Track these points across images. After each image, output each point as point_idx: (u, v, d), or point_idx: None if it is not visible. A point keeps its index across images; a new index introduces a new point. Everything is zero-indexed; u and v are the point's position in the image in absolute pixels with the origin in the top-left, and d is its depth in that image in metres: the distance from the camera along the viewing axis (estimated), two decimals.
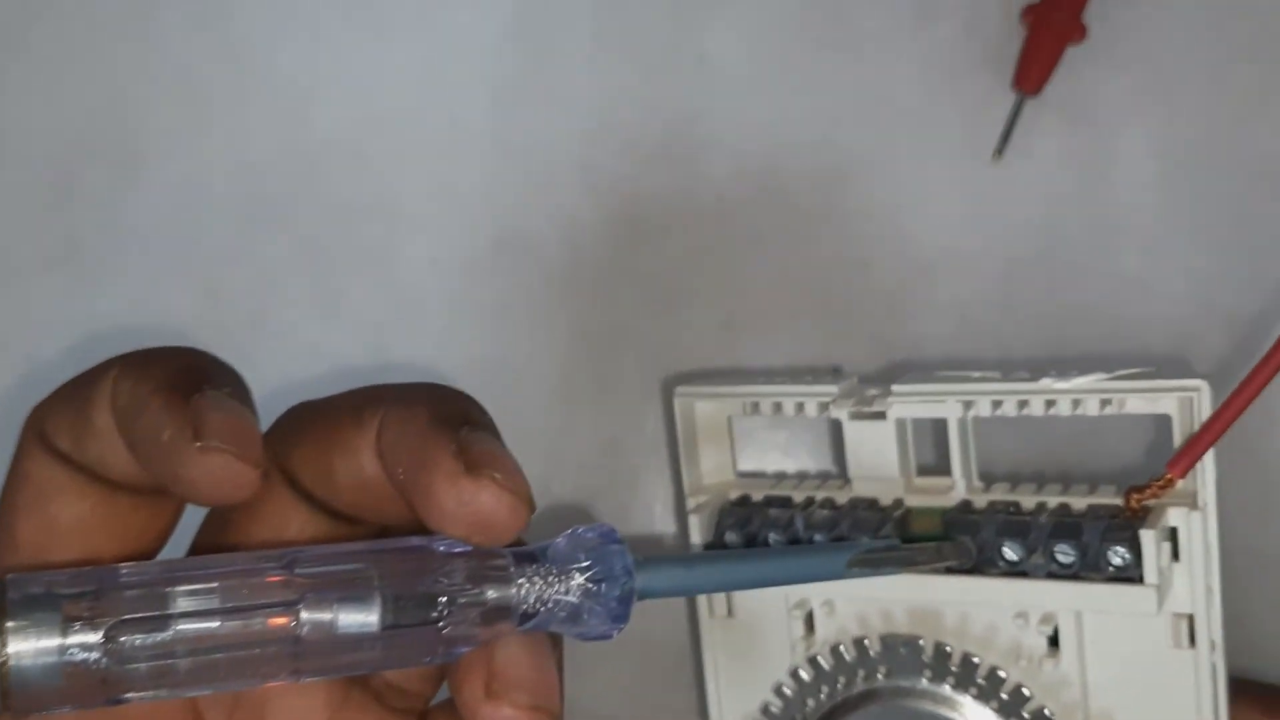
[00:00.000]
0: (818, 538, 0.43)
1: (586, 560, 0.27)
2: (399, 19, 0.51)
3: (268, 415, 0.28)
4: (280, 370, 0.53)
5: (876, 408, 0.44)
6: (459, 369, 0.51)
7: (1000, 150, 0.44)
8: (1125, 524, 0.40)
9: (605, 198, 0.49)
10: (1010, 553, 0.41)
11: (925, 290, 0.45)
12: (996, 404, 0.42)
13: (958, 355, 0.45)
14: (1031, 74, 0.42)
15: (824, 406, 0.44)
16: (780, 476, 0.48)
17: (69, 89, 0.55)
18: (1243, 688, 0.42)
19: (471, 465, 0.25)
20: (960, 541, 0.42)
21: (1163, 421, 0.41)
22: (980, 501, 0.43)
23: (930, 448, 0.45)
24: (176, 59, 0.54)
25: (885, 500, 0.44)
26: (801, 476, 0.48)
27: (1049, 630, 0.42)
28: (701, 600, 0.47)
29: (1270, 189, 0.42)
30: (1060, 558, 0.40)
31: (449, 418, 0.26)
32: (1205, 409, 0.40)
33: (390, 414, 0.26)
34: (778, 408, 0.45)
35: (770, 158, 0.47)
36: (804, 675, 0.45)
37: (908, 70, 0.45)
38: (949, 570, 0.42)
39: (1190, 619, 0.41)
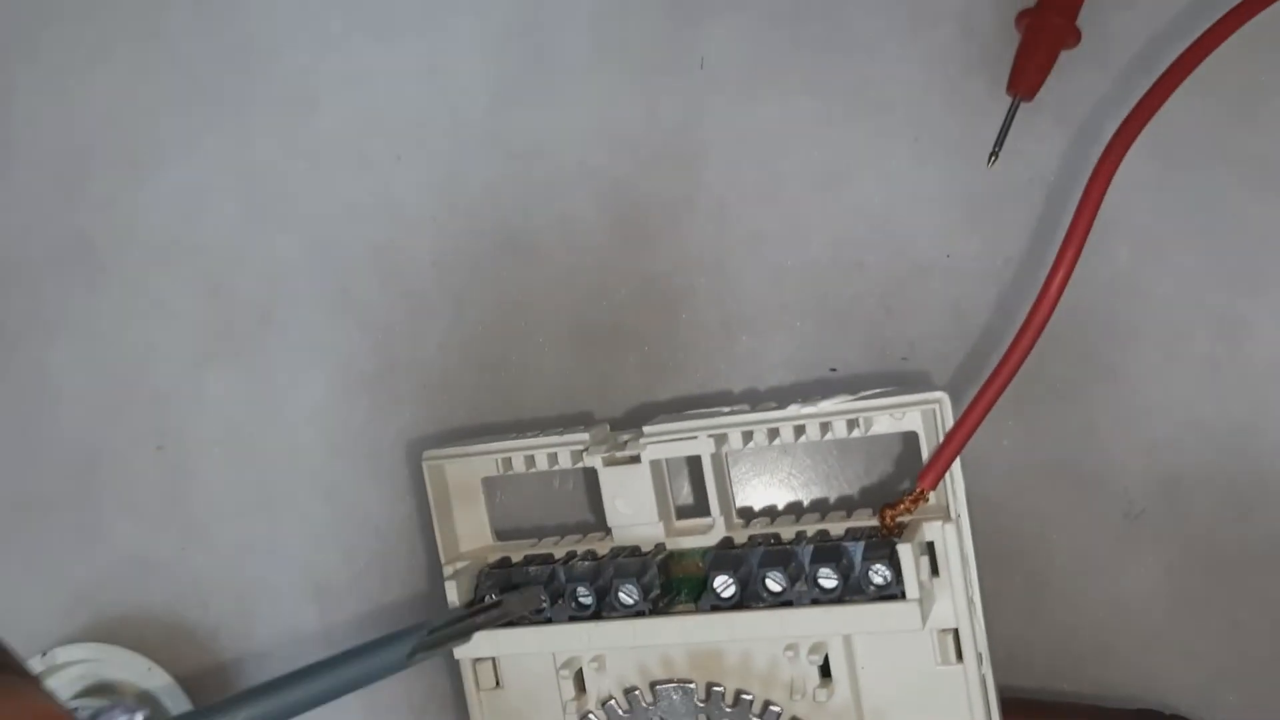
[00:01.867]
0: (581, 590, 0.43)
1: None
2: (401, 20, 0.51)
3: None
4: (283, 370, 0.54)
5: (630, 451, 0.44)
6: (460, 369, 0.51)
7: (995, 154, 0.44)
8: (884, 542, 0.40)
9: (605, 198, 0.49)
10: (773, 584, 0.41)
11: (921, 292, 0.46)
12: (748, 435, 0.43)
13: (956, 355, 0.46)
14: (1026, 79, 0.43)
15: (578, 455, 0.45)
16: (540, 534, 0.48)
17: (77, 91, 0.55)
18: (1012, 706, 0.43)
19: None
20: (527, 590, 0.43)
21: (912, 438, 0.42)
22: (741, 537, 0.43)
23: (689, 491, 0.46)
24: (183, 61, 0.54)
25: (647, 545, 0.44)
26: (563, 532, 0.48)
27: (819, 660, 0.41)
28: (466, 672, 0.46)
29: (1262, 191, 0.42)
30: (823, 583, 0.40)
31: None
32: (948, 420, 0.40)
33: None
34: (530, 461, 0.45)
35: (768, 159, 0.47)
36: None
37: (904, 74, 0.45)
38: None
39: (955, 633, 0.41)
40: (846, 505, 0.46)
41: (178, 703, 0.53)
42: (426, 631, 0.36)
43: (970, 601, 0.41)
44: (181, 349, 0.55)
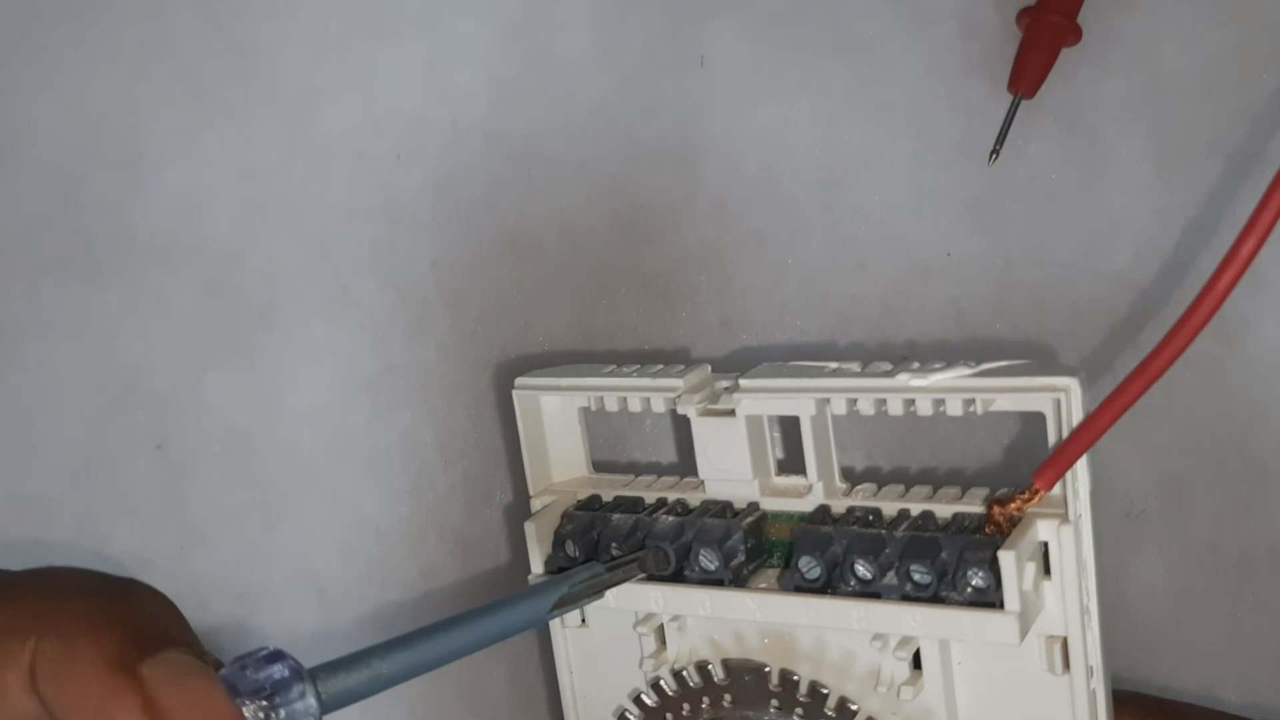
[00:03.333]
0: (665, 546, 0.40)
1: (265, 691, 0.25)
2: (400, 20, 0.51)
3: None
4: (283, 370, 0.54)
5: (724, 405, 0.41)
6: (460, 368, 0.51)
7: (996, 153, 0.44)
8: (987, 540, 0.36)
9: (605, 198, 0.49)
10: (862, 571, 0.38)
11: (922, 291, 0.46)
12: (852, 402, 0.39)
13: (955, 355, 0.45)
14: (1027, 77, 0.43)
15: (671, 402, 0.42)
16: (637, 470, 0.46)
17: (76, 91, 0.55)
18: (1126, 700, 0.40)
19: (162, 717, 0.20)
20: (658, 550, 0.40)
21: (1038, 419, 0.38)
22: (839, 506, 0.40)
23: (796, 438, 0.42)
24: (182, 61, 0.54)
25: (740, 502, 0.42)
26: (658, 472, 0.45)
27: (908, 655, 0.38)
28: None
29: (1263, 190, 0.42)
30: (916, 577, 0.37)
31: (124, 648, 0.21)
32: (1076, 410, 0.36)
33: (46, 647, 0.22)
34: (623, 402, 0.43)
35: (769, 159, 0.47)
36: (647, 700, 0.43)
37: (905, 72, 0.45)
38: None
39: (1064, 642, 0.37)
40: (960, 478, 0.43)
41: None
42: (568, 586, 0.36)
43: (1085, 610, 0.37)
44: (181, 349, 0.55)
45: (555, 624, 0.45)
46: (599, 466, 0.47)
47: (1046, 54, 0.42)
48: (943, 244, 0.45)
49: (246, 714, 0.25)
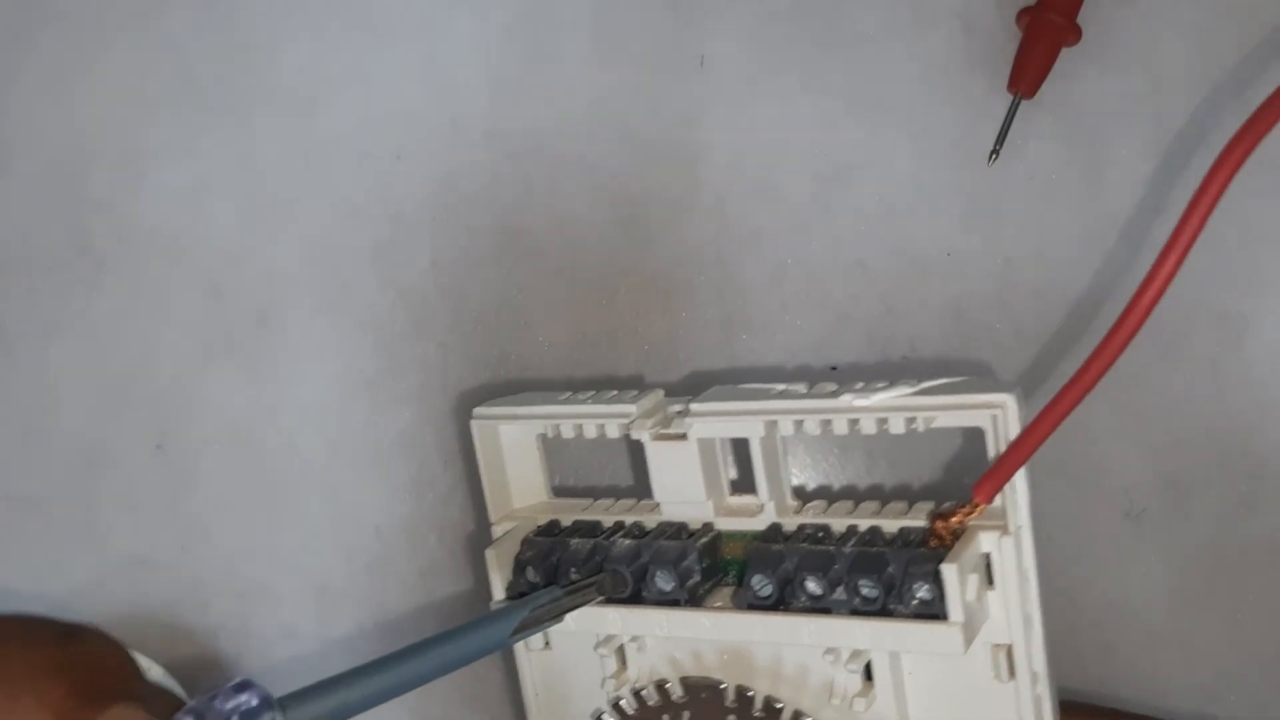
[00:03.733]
0: (622, 570, 0.42)
1: None
2: (400, 19, 0.51)
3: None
4: (283, 370, 0.54)
5: (675, 429, 0.42)
6: (461, 368, 0.51)
7: (996, 153, 0.44)
8: (931, 554, 0.38)
9: (605, 197, 0.49)
10: (813, 587, 0.39)
11: (921, 290, 0.46)
12: (799, 423, 0.40)
13: (951, 356, 0.45)
14: (1027, 77, 0.43)
15: (625, 427, 0.43)
16: (596, 494, 0.47)
17: (77, 90, 0.55)
18: (1070, 710, 0.41)
19: None
20: (615, 574, 0.41)
21: (977, 434, 0.39)
22: (790, 524, 0.42)
23: (749, 459, 0.43)
24: (181, 60, 0.54)
25: (695, 523, 0.43)
26: (618, 494, 0.47)
27: (859, 667, 0.39)
28: None
29: (1263, 189, 0.42)
30: (864, 592, 0.38)
31: (67, 702, 0.20)
32: (1013, 425, 0.37)
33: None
34: (579, 429, 0.44)
35: (769, 157, 0.47)
36: None
37: (904, 72, 0.45)
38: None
39: (1009, 649, 0.38)
40: (907, 493, 0.44)
41: None
42: (528, 610, 0.37)
43: (1027, 618, 0.38)
44: (181, 348, 0.55)
45: (520, 647, 0.46)
46: (562, 491, 0.48)
47: (1046, 54, 0.42)
48: (943, 243, 0.45)
49: None
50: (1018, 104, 0.43)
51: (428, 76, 0.51)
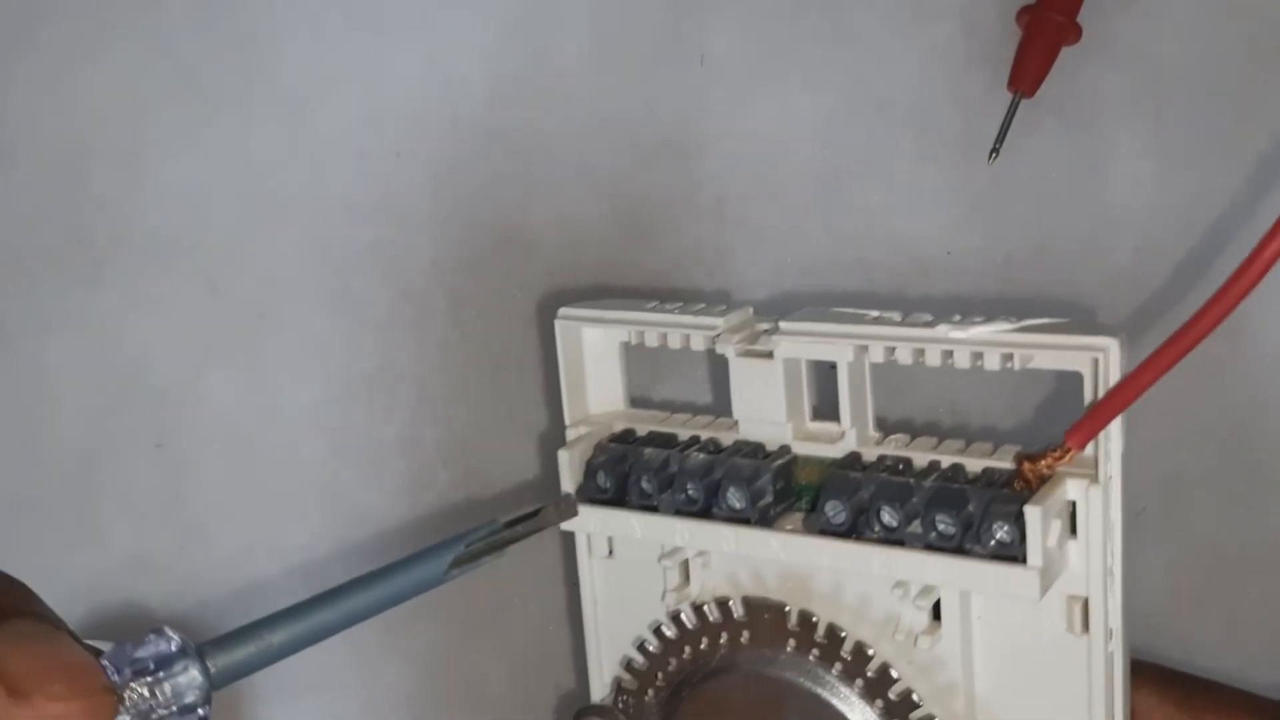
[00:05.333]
0: (690, 485, 0.41)
1: (148, 669, 0.26)
2: (400, 19, 0.51)
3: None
4: (282, 369, 0.54)
5: (762, 346, 0.41)
6: (461, 367, 0.51)
7: (996, 150, 0.44)
8: (1014, 496, 0.36)
9: (605, 196, 0.49)
10: (888, 518, 0.38)
11: (922, 288, 0.46)
12: (890, 350, 0.39)
13: None
14: (1027, 75, 0.43)
15: (710, 340, 0.41)
16: (673, 408, 0.46)
17: (76, 88, 0.55)
18: (1142, 669, 0.39)
19: (15, 687, 0.21)
20: (566, 499, 0.40)
21: (1075, 377, 0.37)
22: (870, 454, 0.40)
23: (833, 385, 0.42)
24: (182, 58, 0.54)
25: (772, 444, 0.41)
26: (693, 412, 0.45)
27: (928, 605, 0.38)
28: (580, 538, 0.44)
29: (1262, 187, 0.42)
30: (940, 527, 0.37)
31: None
32: (1114, 371, 0.36)
33: None
34: (663, 338, 0.43)
35: (769, 155, 0.47)
36: (667, 632, 0.43)
37: (905, 70, 0.45)
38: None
39: (1085, 602, 0.37)
40: (993, 435, 0.42)
41: None
42: (463, 546, 0.36)
43: (1109, 571, 0.36)
44: (181, 348, 0.55)
45: (582, 553, 0.45)
46: (635, 403, 0.47)
47: (1046, 52, 0.42)
48: (943, 241, 0.45)
49: (132, 694, 0.26)
50: (1018, 102, 0.43)
51: (427, 74, 0.51)
